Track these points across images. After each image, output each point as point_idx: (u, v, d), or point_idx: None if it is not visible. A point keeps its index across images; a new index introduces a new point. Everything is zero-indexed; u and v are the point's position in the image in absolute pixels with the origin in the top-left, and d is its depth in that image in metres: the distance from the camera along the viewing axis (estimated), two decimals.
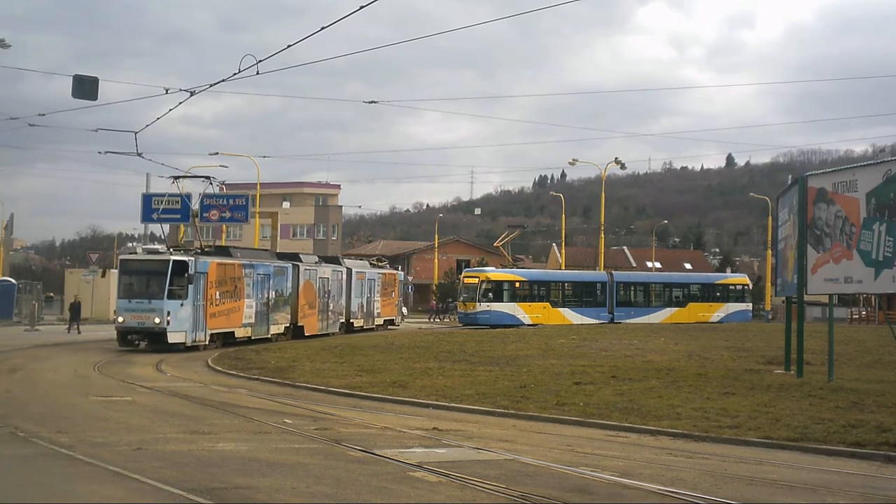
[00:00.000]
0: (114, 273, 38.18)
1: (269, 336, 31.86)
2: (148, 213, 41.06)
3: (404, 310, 53.29)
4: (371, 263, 44.58)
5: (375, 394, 16.94)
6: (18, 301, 47.12)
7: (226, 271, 29.15)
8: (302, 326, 34.30)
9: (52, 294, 58.04)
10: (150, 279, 26.87)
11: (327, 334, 35.96)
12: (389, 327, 44.48)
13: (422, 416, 14.33)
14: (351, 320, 39.66)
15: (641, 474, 9.32)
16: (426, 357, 24.63)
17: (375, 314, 42.97)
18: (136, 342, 26.96)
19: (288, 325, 33.45)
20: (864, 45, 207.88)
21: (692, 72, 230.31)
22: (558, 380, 18.76)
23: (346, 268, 39.43)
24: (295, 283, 33.66)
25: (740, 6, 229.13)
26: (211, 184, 31.31)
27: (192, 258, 27.20)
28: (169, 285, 26.34)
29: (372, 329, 41.61)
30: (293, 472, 9.03)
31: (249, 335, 30.53)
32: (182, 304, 26.59)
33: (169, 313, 26.30)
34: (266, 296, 31.75)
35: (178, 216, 41.07)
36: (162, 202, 37.70)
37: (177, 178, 30.59)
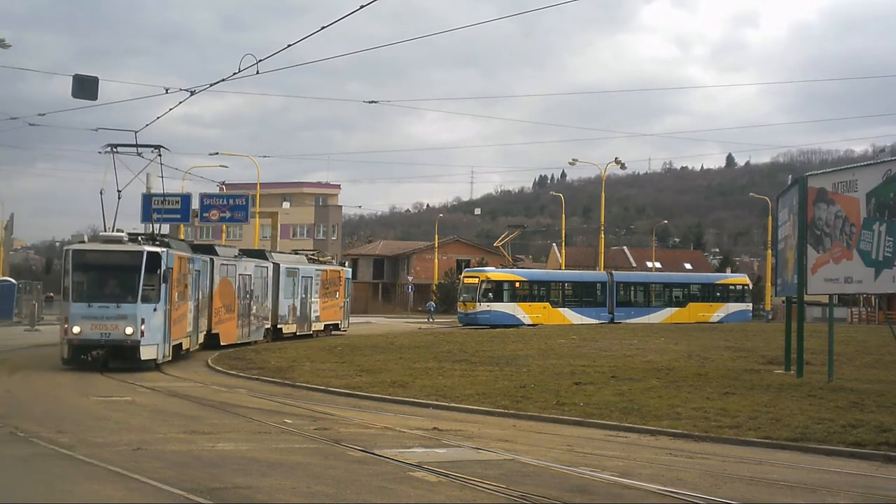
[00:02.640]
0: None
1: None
2: (148, 213, 41.05)
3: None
4: (309, 258, 37.33)
5: (375, 394, 16.94)
6: (18, 301, 47.12)
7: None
8: (217, 334, 27.79)
9: (52, 294, 58.01)
10: (116, 277, 21.16)
11: (249, 343, 29.30)
12: (333, 332, 37.50)
13: (422, 416, 14.33)
14: (279, 325, 32.59)
15: (641, 474, 9.32)
16: (426, 357, 24.63)
17: (313, 318, 35.67)
18: (91, 359, 20.62)
19: (203, 331, 26.80)
20: (869, 45, 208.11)
21: (696, 71, 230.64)
22: (558, 380, 18.76)
23: (273, 263, 32.36)
24: (210, 281, 27.04)
25: (745, 5, 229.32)
26: (160, 156, 23.56)
27: (165, 249, 21.75)
28: (143, 284, 20.70)
29: (309, 336, 34.83)
30: (293, 472, 9.03)
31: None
32: (155, 310, 20.96)
33: (143, 321, 20.65)
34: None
35: (178, 216, 41.06)
36: (163, 202, 37.65)
37: (114, 146, 22.84)
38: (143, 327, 20.69)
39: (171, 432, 11.80)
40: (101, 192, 23.30)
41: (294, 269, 34.00)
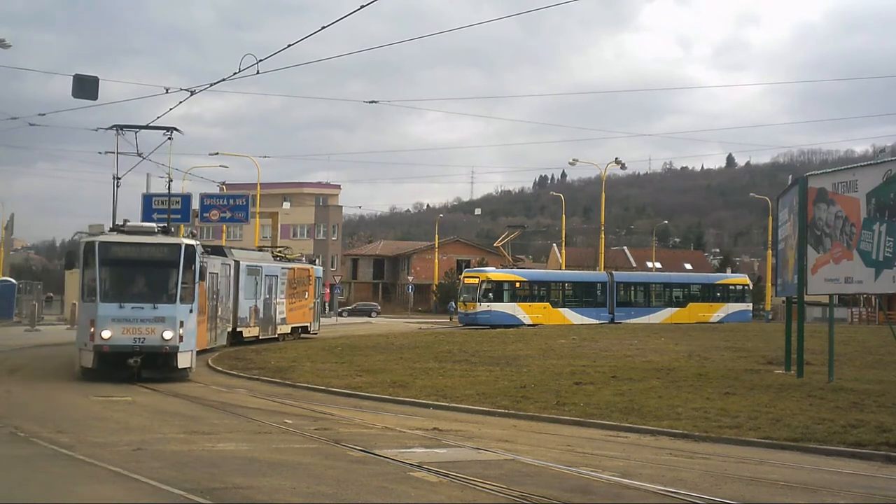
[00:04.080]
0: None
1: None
2: (148, 213, 41.04)
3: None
4: (274, 255, 34.36)
5: (375, 394, 16.94)
6: (19, 301, 47.14)
7: None
8: None
9: (52, 294, 58.03)
10: (150, 273, 18.86)
11: (213, 349, 26.31)
12: (302, 336, 34.67)
13: (422, 416, 14.33)
14: (239, 328, 29.51)
15: (641, 474, 9.32)
16: (426, 357, 24.63)
17: (278, 320, 32.42)
18: (133, 368, 18.18)
19: None
20: (872, 45, 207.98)
21: (698, 70, 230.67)
22: (558, 380, 18.76)
23: (234, 260, 29.17)
24: None
25: (747, 4, 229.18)
26: (170, 138, 21.12)
27: (198, 241, 19.94)
28: (182, 282, 18.47)
29: (274, 339, 31.63)
30: (293, 472, 9.03)
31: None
32: (191, 311, 18.78)
33: (182, 324, 18.34)
34: None
35: (179, 216, 41.01)
36: (163, 202, 37.59)
37: (120, 127, 20.82)
38: (181, 331, 18.23)
39: (172, 432, 11.80)
40: (117, 178, 21.06)
41: (256, 267, 30.87)
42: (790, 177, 45.57)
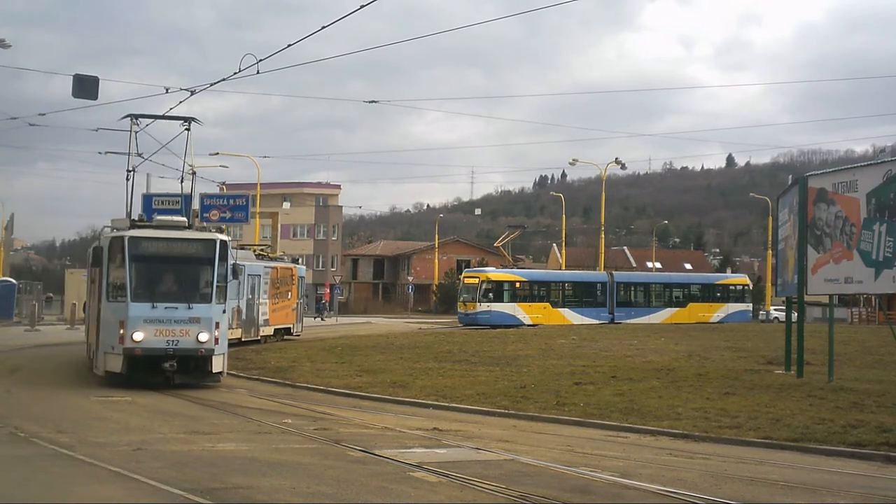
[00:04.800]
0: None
1: None
2: (148, 214, 41.00)
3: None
4: (257, 254, 32.73)
5: (375, 394, 16.95)
6: (19, 301, 47.16)
7: None
8: None
9: (52, 294, 58.07)
10: (183, 271, 17.64)
11: None
12: (286, 338, 33.06)
13: (422, 416, 14.34)
14: None
15: (641, 474, 9.32)
16: (426, 357, 24.63)
17: (261, 321, 30.87)
18: (168, 373, 17.00)
19: None
20: (873, 44, 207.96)
21: (699, 69, 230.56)
22: (558, 380, 18.76)
23: None
24: None
25: (749, 4, 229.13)
26: (188, 129, 19.38)
27: (230, 237, 18.95)
28: (217, 280, 17.38)
29: (256, 341, 29.99)
30: (293, 472, 9.03)
31: None
32: (224, 311, 17.75)
33: (217, 325, 17.25)
34: None
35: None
36: (162, 202, 37.53)
37: (135, 116, 19.47)
38: (216, 333, 17.11)
39: (172, 432, 11.80)
40: (130, 171, 19.53)
41: (239, 265, 28.45)
42: (790, 177, 45.57)
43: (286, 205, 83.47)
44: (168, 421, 13.01)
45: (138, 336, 16.63)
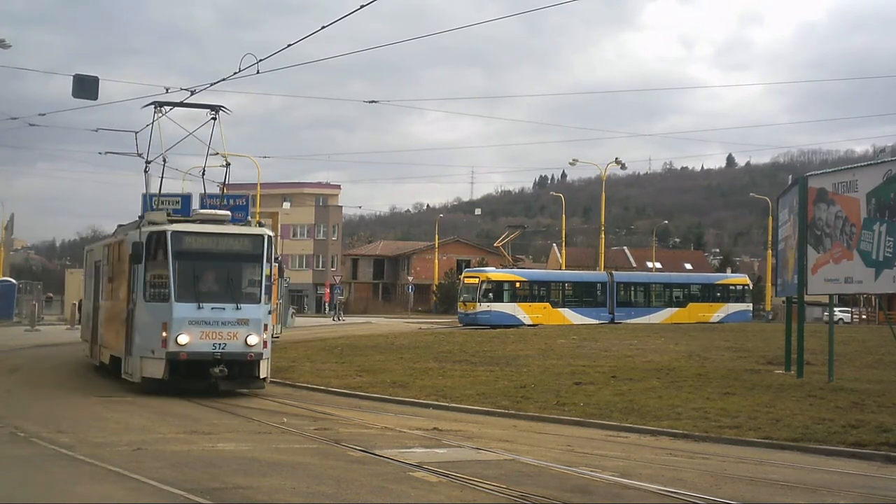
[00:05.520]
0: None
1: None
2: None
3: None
4: None
5: (375, 394, 16.95)
6: (19, 301, 47.16)
7: None
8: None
9: (52, 294, 58.09)
10: (231, 268, 16.38)
11: None
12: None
13: (422, 416, 14.33)
14: None
15: (641, 474, 9.32)
16: (426, 357, 24.63)
17: None
18: (215, 379, 15.64)
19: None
20: (874, 44, 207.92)
21: (700, 69, 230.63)
22: (558, 380, 18.76)
23: None
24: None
25: (751, 3, 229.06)
26: (214, 119, 18.07)
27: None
28: (265, 279, 16.41)
29: None
30: (293, 472, 9.03)
31: None
32: (270, 312, 16.83)
33: (266, 328, 16.26)
34: None
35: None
36: (162, 202, 37.50)
37: (159, 104, 18.32)
38: (265, 336, 16.08)
39: (172, 432, 11.80)
40: (149, 163, 18.98)
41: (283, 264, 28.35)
42: (790, 177, 45.58)
43: (286, 205, 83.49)
44: (168, 421, 13.00)
45: (183, 339, 15.39)
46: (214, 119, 18.06)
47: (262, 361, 16.02)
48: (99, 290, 20.62)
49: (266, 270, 16.28)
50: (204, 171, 19.77)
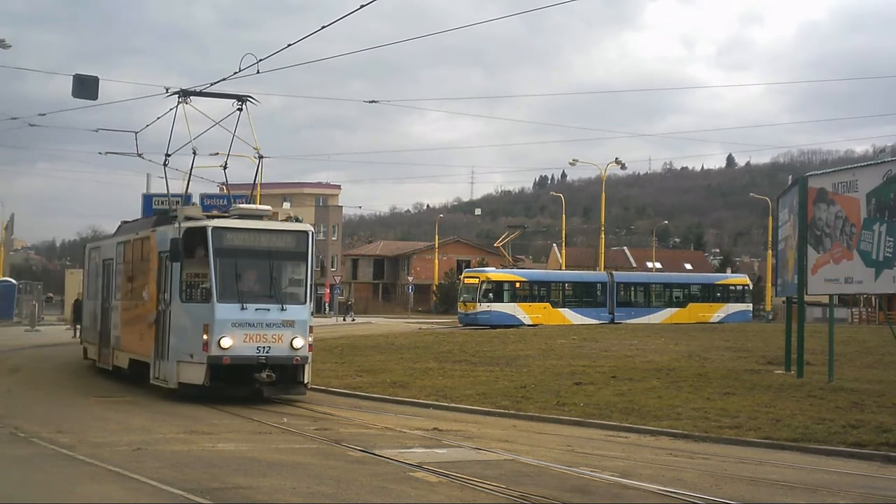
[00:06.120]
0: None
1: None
2: (148, 214, 40.97)
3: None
4: None
5: (375, 394, 16.94)
6: (19, 301, 47.16)
7: None
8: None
9: (52, 294, 58.09)
10: (274, 267, 15.43)
11: None
12: None
13: (422, 416, 14.33)
14: None
15: (641, 474, 9.32)
16: (426, 357, 24.63)
17: None
18: (260, 385, 14.78)
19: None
20: (875, 44, 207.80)
21: (701, 69, 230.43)
22: (558, 380, 18.76)
23: None
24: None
25: (752, 3, 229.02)
26: (240, 109, 17.16)
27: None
28: (309, 278, 15.58)
29: None
30: (293, 472, 9.03)
31: None
32: (312, 314, 15.80)
33: (311, 330, 15.48)
34: None
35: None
36: (162, 202, 37.48)
37: (184, 92, 17.46)
38: (310, 338, 15.30)
39: (172, 432, 11.80)
40: (168, 156, 18.04)
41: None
42: (790, 177, 45.58)
43: (286, 205, 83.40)
44: (168, 421, 13.01)
45: (226, 342, 14.44)
46: (240, 110, 17.25)
47: (306, 366, 15.30)
48: (110, 290, 19.60)
49: (311, 269, 15.51)
50: (226, 164, 19.05)
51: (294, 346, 14.88)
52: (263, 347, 14.66)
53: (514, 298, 47.12)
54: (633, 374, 19.77)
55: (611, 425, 13.32)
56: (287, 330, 14.86)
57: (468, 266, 62.18)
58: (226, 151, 18.52)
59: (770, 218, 58.25)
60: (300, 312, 15.10)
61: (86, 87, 21.15)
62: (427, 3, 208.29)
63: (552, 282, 51.19)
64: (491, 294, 46.12)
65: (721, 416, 13.66)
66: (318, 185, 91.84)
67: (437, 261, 72.99)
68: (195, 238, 15.04)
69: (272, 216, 16.19)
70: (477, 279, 46.72)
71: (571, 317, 48.23)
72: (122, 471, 8.87)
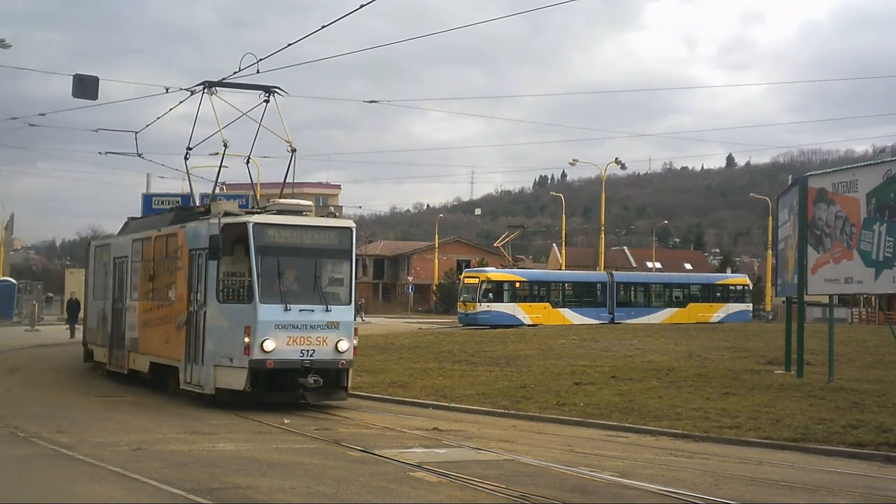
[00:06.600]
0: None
1: None
2: (148, 213, 40.96)
3: None
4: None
5: (375, 394, 16.95)
6: (19, 301, 47.16)
7: None
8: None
9: (52, 294, 58.07)
10: (318, 265, 14.71)
11: None
12: None
13: (422, 416, 14.33)
14: None
15: (641, 474, 9.33)
16: (426, 357, 24.64)
17: None
18: (306, 390, 14.01)
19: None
20: (876, 43, 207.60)
21: (702, 69, 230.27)
22: (558, 380, 18.76)
23: None
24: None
25: (752, 2, 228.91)
26: (270, 100, 16.52)
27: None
28: (352, 277, 14.95)
29: None
30: (293, 472, 9.04)
31: None
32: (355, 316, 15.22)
33: (356, 332, 14.84)
34: None
35: None
36: (162, 202, 37.47)
37: (210, 84, 16.82)
38: (355, 341, 14.63)
39: (172, 432, 11.81)
40: (187, 149, 17.59)
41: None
42: (790, 177, 45.51)
43: None
44: (168, 421, 13.01)
45: (269, 345, 13.66)
46: (267, 101, 16.52)
47: (349, 371, 14.65)
48: (124, 289, 18.82)
49: (355, 268, 15.01)
50: (248, 158, 18.29)
51: (339, 348, 14.20)
52: (308, 351, 13.92)
53: (514, 298, 47.12)
54: (633, 374, 19.78)
55: (611, 425, 13.32)
56: (332, 332, 14.16)
57: (468, 266, 62.15)
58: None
59: (770, 218, 58.24)
60: (345, 313, 14.48)
61: (86, 87, 21.15)
62: (427, 3, 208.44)
63: (552, 282, 51.19)
64: (491, 294, 46.13)
65: (721, 416, 13.66)
66: (319, 184, 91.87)
67: (437, 261, 72.97)
68: (236, 234, 14.33)
69: (311, 211, 15.49)
70: (477, 279, 46.73)
71: (571, 317, 48.23)
72: (122, 471, 8.87)
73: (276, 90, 16.48)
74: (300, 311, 13.97)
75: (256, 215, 14.76)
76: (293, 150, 16.86)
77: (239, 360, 13.81)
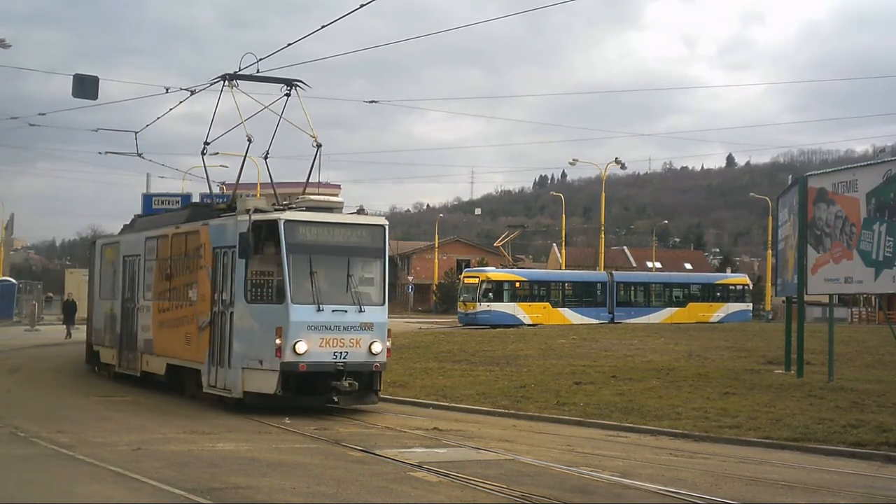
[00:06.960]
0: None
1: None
2: (148, 213, 40.96)
3: None
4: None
5: None
6: (19, 301, 47.17)
7: None
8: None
9: (52, 294, 58.08)
10: (350, 264, 14.15)
11: None
12: None
13: (422, 415, 14.33)
14: None
15: (641, 474, 9.33)
16: (426, 357, 24.63)
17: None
18: (339, 394, 13.55)
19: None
20: (876, 43, 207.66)
21: (702, 69, 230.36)
22: (558, 380, 18.76)
23: None
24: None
25: (753, 2, 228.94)
26: (293, 93, 16.11)
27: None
28: (385, 276, 14.51)
29: None
30: (293, 472, 9.04)
31: None
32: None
33: (390, 332, 14.44)
34: None
35: None
36: (161, 202, 37.47)
37: (230, 77, 16.27)
38: (389, 342, 14.22)
39: (172, 432, 11.81)
40: (205, 143, 17.45)
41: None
42: (790, 177, 45.51)
43: None
44: (168, 421, 13.01)
45: (302, 347, 13.15)
46: (288, 95, 16.04)
47: (381, 374, 14.23)
48: (136, 288, 18.26)
49: (388, 267, 14.57)
50: (267, 154, 17.78)
51: (373, 350, 13.74)
52: (341, 353, 13.45)
53: (513, 298, 47.12)
54: (633, 374, 19.78)
55: (611, 425, 13.32)
56: (366, 333, 13.69)
57: (468, 266, 62.12)
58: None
59: (770, 218, 58.24)
60: (378, 314, 14.01)
61: (86, 86, 21.14)
62: (427, 3, 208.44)
63: (552, 281, 51.19)
64: (491, 294, 46.13)
65: (721, 416, 13.66)
66: (318, 184, 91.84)
67: (437, 260, 72.96)
68: (266, 232, 13.75)
69: (341, 208, 15.01)
70: (477, 279, 46.73)
71: (571, 316, 48.22)
72: (122, 471, 8.87)
73: (299, 83, 16.04)
74: (333, 311, 13.50)
75: (287, 212, 14.14)
76: (318, 146, 16.29)
77: (269, 363, 13.30)
